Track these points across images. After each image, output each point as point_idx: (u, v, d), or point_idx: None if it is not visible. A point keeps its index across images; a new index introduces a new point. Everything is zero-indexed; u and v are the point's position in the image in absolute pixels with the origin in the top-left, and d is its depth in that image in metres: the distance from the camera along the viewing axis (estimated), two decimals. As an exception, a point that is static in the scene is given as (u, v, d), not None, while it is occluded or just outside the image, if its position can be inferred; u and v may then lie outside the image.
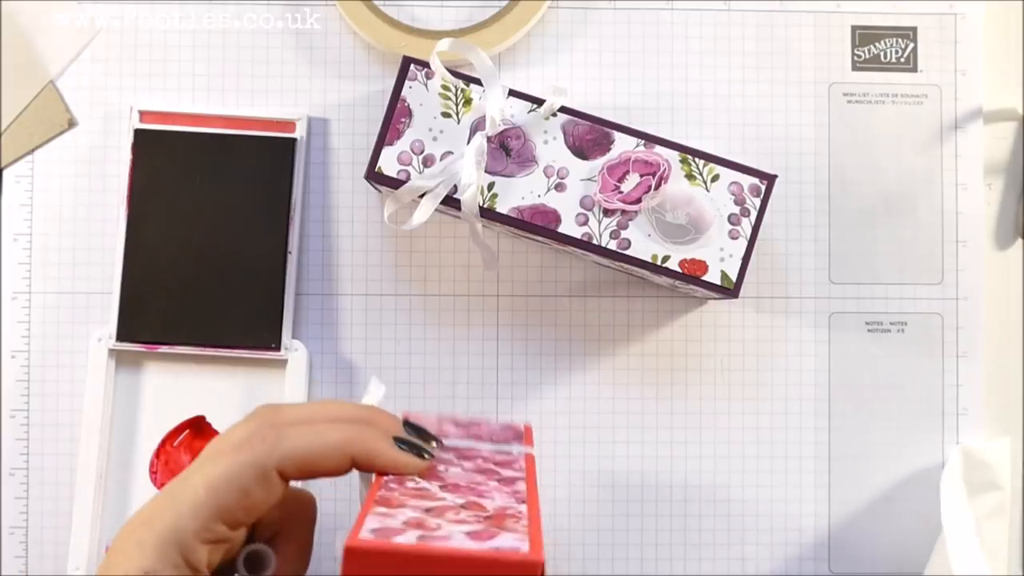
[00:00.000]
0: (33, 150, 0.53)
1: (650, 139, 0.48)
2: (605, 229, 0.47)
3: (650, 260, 0.47)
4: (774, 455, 0.53)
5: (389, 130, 0.48)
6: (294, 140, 0.51)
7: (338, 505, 0.53)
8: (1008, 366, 0.55)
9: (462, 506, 0.35)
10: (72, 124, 0.53)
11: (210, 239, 0.51)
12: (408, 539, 0.31)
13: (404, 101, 0.48)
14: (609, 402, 0.53)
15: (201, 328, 0.51)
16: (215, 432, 0.52)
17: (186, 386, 0.52)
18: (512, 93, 0.48)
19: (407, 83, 0.48)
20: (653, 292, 0.54)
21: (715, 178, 0.47)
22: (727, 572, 0.53)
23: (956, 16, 0.54)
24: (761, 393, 0.53)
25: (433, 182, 0.47)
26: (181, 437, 0.52)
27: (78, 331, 0.52)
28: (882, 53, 0.54)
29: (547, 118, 0.48)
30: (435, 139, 0.47)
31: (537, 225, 0.47)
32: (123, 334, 0.51)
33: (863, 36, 0.54)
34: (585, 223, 0.47)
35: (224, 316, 0.51)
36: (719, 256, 0.47)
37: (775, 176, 0.48)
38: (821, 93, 0.54)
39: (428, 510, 0.34)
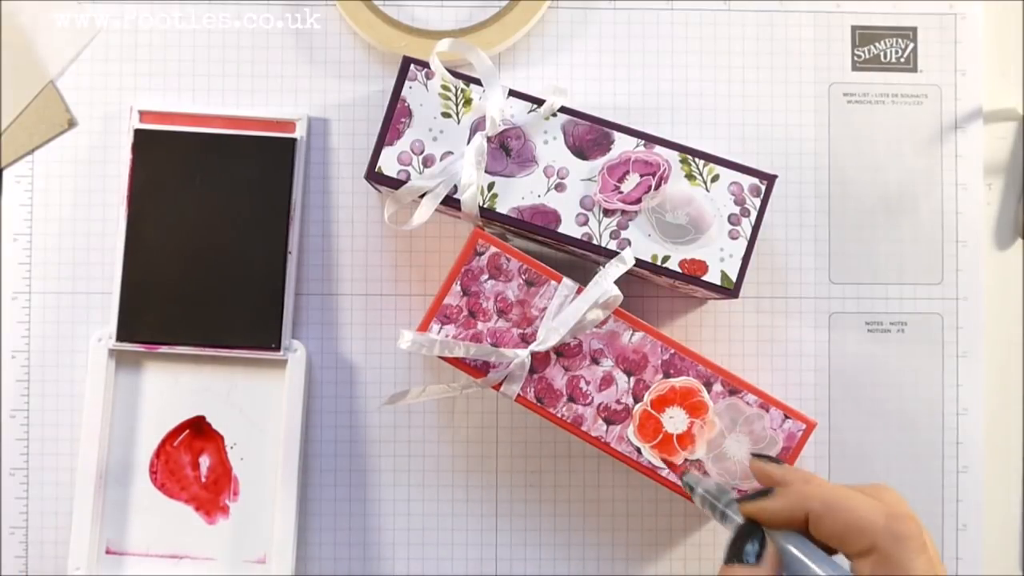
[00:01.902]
0: (33, 150, 0.53)
1: (650, 139, 0.48)
2: (605, 229, 0.47)
3: (650, 260, 0.47)
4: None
5: (389, 130, 0.47)
6: (294, 140, 0.51)
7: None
8: (1008, 366, 0.55)
9: None
10: (72, 124, 0.53)
11: (210, 239, 0.51)
12: None
13: (404, 101, 0.48)
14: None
15: (201, 328, 0.51)
16: (215, 432, 0.52)
17: (186, 386, 0.52)
18: (512, 93, 0.48)
19: (407, 83, 0.48)
20: (653, 292, 0.54)
21: (715, 178, 0.47)
22: (727, 572, 0.53)
23: (956, 16, 0.54)
24: (761, 393, 0.53)
25: (433, 182, 0.47)
26: (181, 437, 0.52)
27: (78, 331, 0.52)
28: (882, 53, 0.54)
29: (547, 118, 0.48)
30: (435, 139, 0.47)
31: (537, 225, 0.47)
32: (123, 334, 0.51)
33: (863, 36, 0.54)
34: (585, 223, 0.47)
35: (224, 316, 0.51)
36: (719, 256, 0.47)
37: (775, 176, 0.48)
38: (821, 93, 0.54)
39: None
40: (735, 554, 0.37)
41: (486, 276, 0.46)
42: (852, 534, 0.35)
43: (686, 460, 0.46)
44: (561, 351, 0.46)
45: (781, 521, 0.37)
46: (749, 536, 0.37)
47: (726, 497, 0.41)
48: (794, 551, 0.36)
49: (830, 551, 0.36)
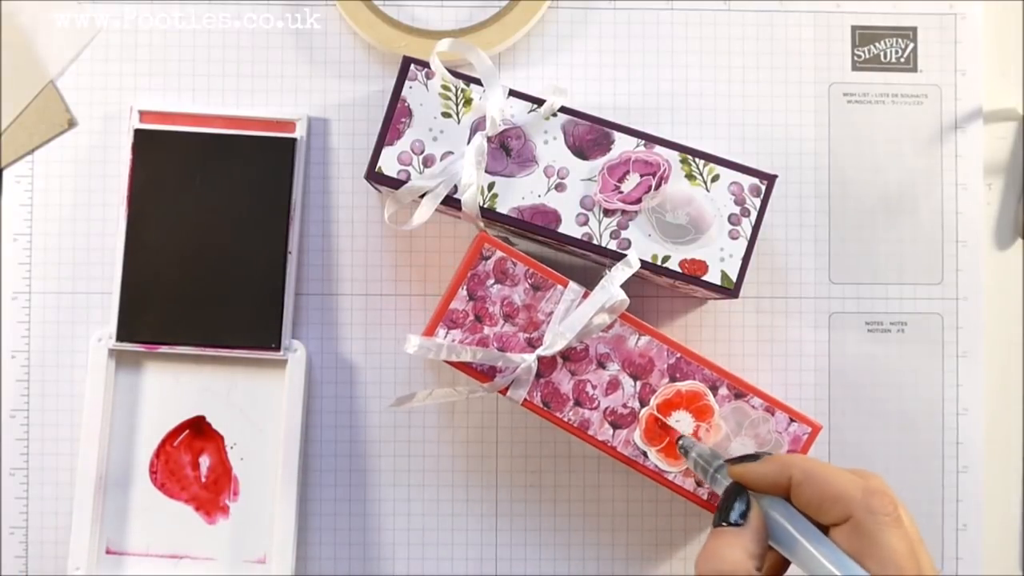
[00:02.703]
0: (33, 150, 0.53)
1: (650, 139, 0.48)
2: (605, 229, 0.47)
3: (650, 260, 0.47)
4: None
5: (389, 130, 0.47)
6: (294, 140, 0.51)
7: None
8: (1008, 366, 0.55)
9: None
10: (72, 124, 0.53)
11: (210, 239, 0.51)
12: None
13: (404, 101, 0.48)
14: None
15: (201, 328, 0.51)
16: (215, 432, 0.52)
17: (186, 386, 0.52)
18: (512, 93, 0.48)
19: (407, 83, 0.48)
20: (653, 292, 0.54)
21: (715, 178, 0.47)
22: (727, 572, 0.53)
23: (956, 16, 0.54)
24: (761, 393, 0.53)
25: (433, 182, 0.47)
26: (181, 437, 0.52)
27: (78, 331, 0.52)
28: (882, 53, 0.54)
29: (547, 118, 0.48)
30: (435, 139, 0.47)
31: (537, 225, 0.47)
32: (123, 334, 0.51)
33: (863, 36, 0.54)
34: (585, 223, 0.47)
35: (224, 316, 0.51)
36: (719, 256, 0.47)
37: (775, 176, 0.48)
38: (821, 93, 0.54)
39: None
40: (722, 516, 0.38)
41: (492, 280, 0.46)
42: (829, 503, 0.36)
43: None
44: (568, 355, 0.46)
45: (765, 485, 0.39)
46: (735, 499, 0.38)
47: (717, 462, 0.42)
48: (777, 516, 0.37)
49: (813, 523, 0.37)
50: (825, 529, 0.37)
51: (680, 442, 0.45)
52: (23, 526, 0.52)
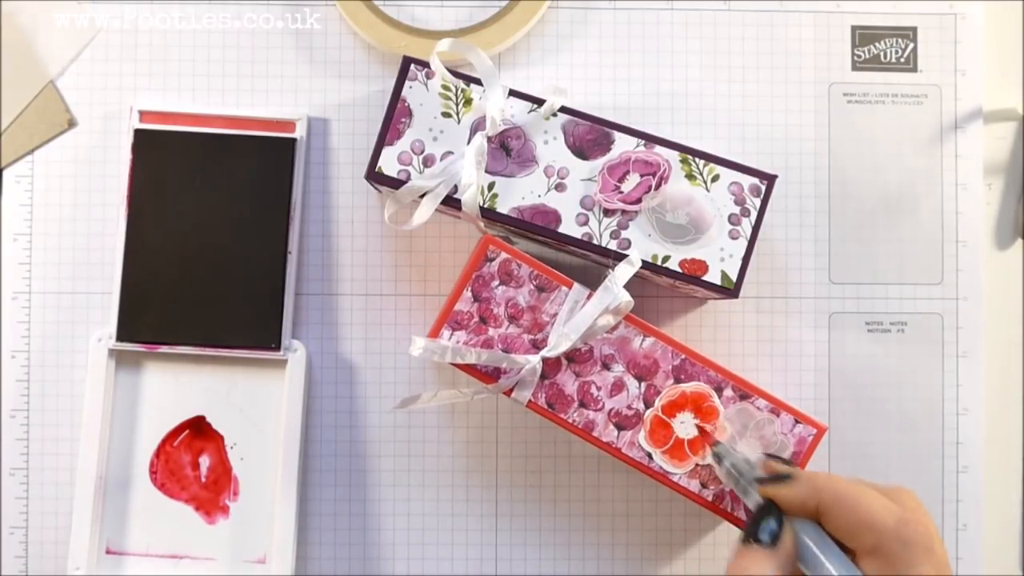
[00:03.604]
0: (33, 150, 0.53)
1: (650, 139, 0.48)
2: (605, 229, 0.47)
3: (650, 260, 0.47)
4: (774, 455, 0.53)
5: (389, 130, 0.48)
6: (294, 140, 0.51)
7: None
8: (1008, 366, 0.55)
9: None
10: (72, 124, 0.53)
11: (210, 239, 0.51)
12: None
13: (404, 101, 0.48)
14: (609, 402, 0.53)
15: (201, 328, 0.51)
16: (215, 432, 0.52)
17: (186, 386, 0.52)
18: (512, 93, 0.48)
19: (407, 83, 0.48)
20: (653, 292, 0.54)
21: (715, 178, 0.47)
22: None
23: (956, 16, 0.54)
24: (761, 393, 0.53)
25: (433, 182, 0.47)
26: (181, 437, 0.52)
27: (78, 331, 0.52)
28: (882, 53, 0.54)
29: (547, 118, 0.48)
30: (435, 139, 0.47)
31: (537, 225, 0.47)
32: (123, 334, 0.51)
33: (863, 36, 0.54)
34: (585, 223, 0.47)
35: (224, 316, 0.51)
36: (719, 256, 0.47)
37: (775, 176, 0.48)
38: (821, 93, 0.54)
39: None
40: (751, 533, 0.37)
41: (497, 282, 0.46)
42: (858, 531, 0.35)
43: (697, 465, 0.46)
44: (572, 357, 0.46)
45: (795, 508, 0.38)
46: (767, 517, 0.38)
47: (751, 474, 0.42)
48: (807, 541, 0.37)
49: (842, 547, 0.37)
50: (856, 555, 0.36)
51: (715, 449, 0.45)
52: (23, 526, 0.52)
